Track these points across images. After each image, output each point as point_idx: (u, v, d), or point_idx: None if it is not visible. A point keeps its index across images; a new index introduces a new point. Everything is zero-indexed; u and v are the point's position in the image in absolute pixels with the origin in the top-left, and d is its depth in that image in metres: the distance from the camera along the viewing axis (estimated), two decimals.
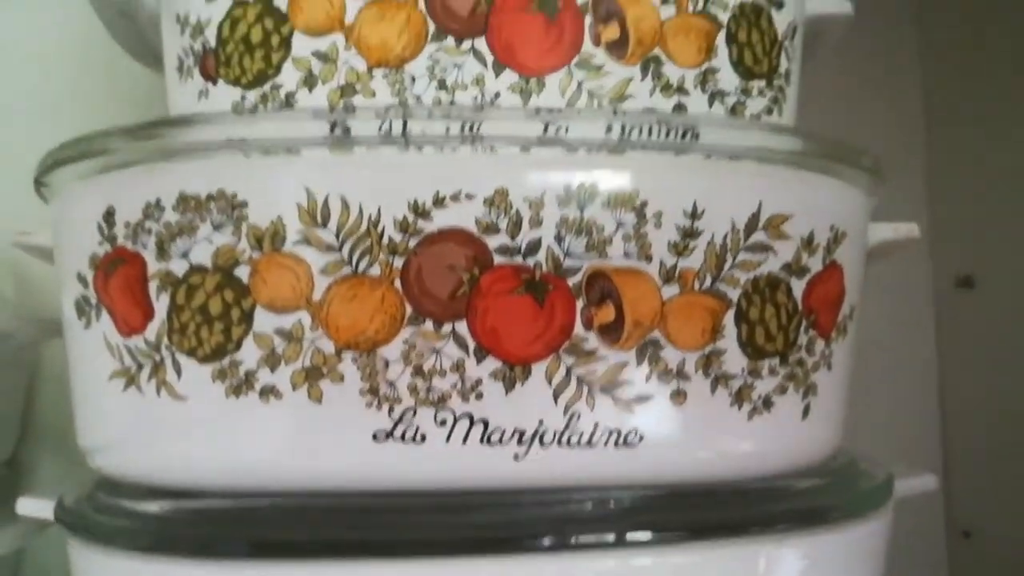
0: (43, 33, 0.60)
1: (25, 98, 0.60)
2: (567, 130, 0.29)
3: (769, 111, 0.34)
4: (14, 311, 0.58)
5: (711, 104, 0.33)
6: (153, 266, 0.29)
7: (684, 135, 0.28)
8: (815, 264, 0.31)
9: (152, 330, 0.29)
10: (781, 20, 0.34)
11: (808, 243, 0.31)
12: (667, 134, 0.28)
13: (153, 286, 0.29)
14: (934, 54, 0.68)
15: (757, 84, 0.34)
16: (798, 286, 0.31)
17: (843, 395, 0.34)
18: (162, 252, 0.29)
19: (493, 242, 0.28)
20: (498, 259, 0.28)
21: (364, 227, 0.28)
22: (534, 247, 0.28)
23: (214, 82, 0.32)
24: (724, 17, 0.33)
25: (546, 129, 0.29)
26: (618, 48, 0.31)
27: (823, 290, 0.32)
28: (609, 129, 0.29)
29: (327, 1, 0.31)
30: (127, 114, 0.33)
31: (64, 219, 0.33)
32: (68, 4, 0.58)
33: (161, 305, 0.29)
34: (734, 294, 0.30)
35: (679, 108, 0.32)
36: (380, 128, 0.28)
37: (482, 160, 0.28)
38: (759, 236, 0.30)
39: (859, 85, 0.69)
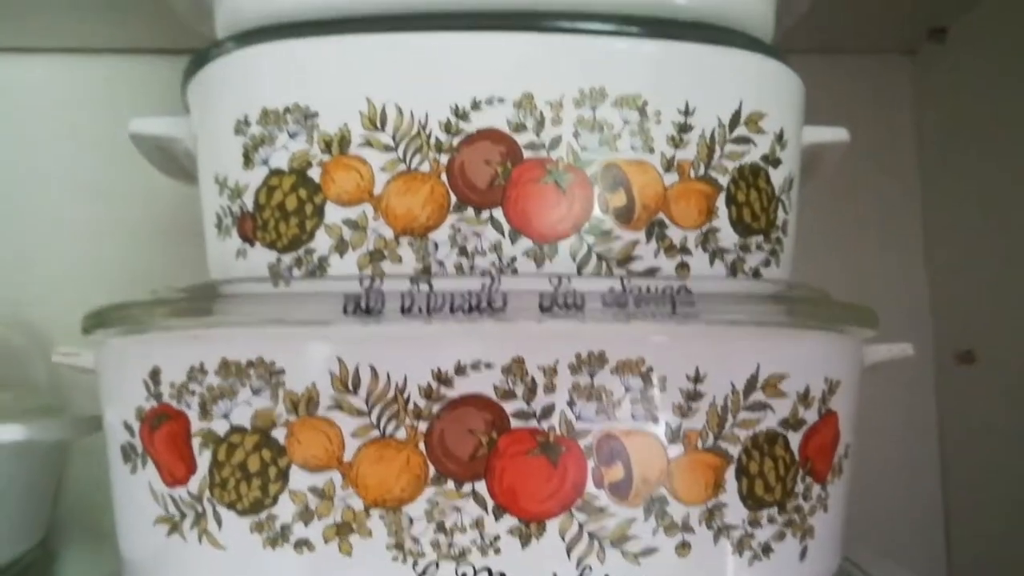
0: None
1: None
2: (581, 300, 0.32)
3: (767, 263, 0.36)
4: (48, 402, 0.61)
5: (712, 262, 0.35)
6: (196, 424, 0.32)
7: (686, 306, 0.31)
8: (811, 416, 0.34)
9: (195, 483, 0.32)
10: (778, 176, 0.37)
11: (804, 397, 0.33)
12: (672, 309, 0.30)
13: (196, 442, 0.32)
14: (930, 129, 0.70)
15: (756, 239, 0.36)
16: (795, 438, 0.33)
17: (839, 529, 0.36)
18: (205, 412, 0.32)
19: (510, 407, 0.30)
20: (515, 423, 0.30)
21: (391, 394, 0.30)
22: (548, 411, 0.30)
23: (251, 243, 0.35)
24: (724, 180, 0.35)
25: (556, 295, 0.31)
26: (625, 214, 0.34)
27: (819, 439, 0.34)
28: (617, 297, 0.31)
29: (357, 173, 0.33)
30: None
31: (110, 369, 0.35)
32: None
33: (203, 460, 0.32)
34: (735, 450, 0.32)
35: (682, 267, 0.34)
36: (404, 297, 0.31)
37: (499, 331, 0.31)
38: (757, 396, 0.32)
39: (856, 157, 0.72)
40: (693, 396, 0.31)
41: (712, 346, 0.32)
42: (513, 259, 0.34)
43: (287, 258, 0.34)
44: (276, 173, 0.34)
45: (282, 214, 0.34)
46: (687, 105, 0.34)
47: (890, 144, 0.72)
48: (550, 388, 0.30)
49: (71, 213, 0.68)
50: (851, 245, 0.69)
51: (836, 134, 0.43)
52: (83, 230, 0.68)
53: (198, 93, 0.38)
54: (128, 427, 0.34)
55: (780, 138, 0.37)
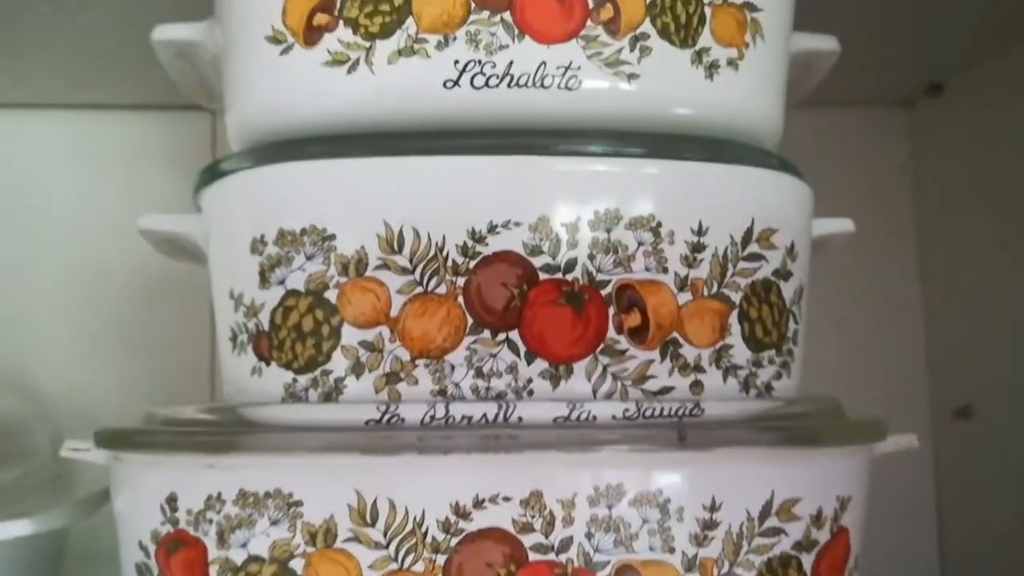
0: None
1: None
2: (594, 417, 0.32)
3: (779, 376, 0.37)
4: (53, 474, 0.60)
5: (725, 379, 0.35)
6: (213, 552, 0.32)
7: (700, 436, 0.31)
8: (823, 536, 0.34)
9: None
10: (789, 288, 0.37)
11: (817, 519, 0.33)
12: (682, 439, 0.31)
13: (213, 570, 0.32)
14: (927, 182, 0.71)
15: (768, 354, 0.36)
16: (808, 560, 0.33)
17: None
18: (222, 541, 0.32)
19: (528, 540, 0.31)
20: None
21: (409, 527, 0.30)
22: (566, 544, 0.31)
23: (267, 363, 0.35)
24: (736, 298, 0.35)
25: (571, 415, 0.32)
26: (639, 334, 0.34)
27: (831, 557, 0.34)
28: (632, 418, 0.32)
29: (374, 296, 0.34)
30: None
31: (125, 486, 0.35)
32: None
33: None
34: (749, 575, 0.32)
35: (696, 385, 0.35)
36: (423, 418, 0.32)
37: (517, 462, 0.31)
38: (772, 521, 0.32)
39: (853, 210, 0.72)
40: (709, 525, 0.31)
41: (727, 474, 0.32)
42: (529, 380, 0.34)
43: (303, 379, 0.34)
44: (293, 294, 0.34)
45: (298, 335, 0.34)
46: (700, 225, 0.35)
47: (886, 197, 0.73)
48: (568, 521, 0.31)
49: (71, 275, 0.68)
50: (847, 300, 0.69)
51: (841, 225, 0.44)
52: (83, 292, 0.68)
53: (212, 205, 0.38)
54: (143, 547, 0.34)
55: (791, 251, 0.37)
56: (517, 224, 0.34)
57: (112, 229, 0.67)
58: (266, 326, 0.35)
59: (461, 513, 0.30)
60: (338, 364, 0.34)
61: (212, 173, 0.38)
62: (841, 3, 0.53)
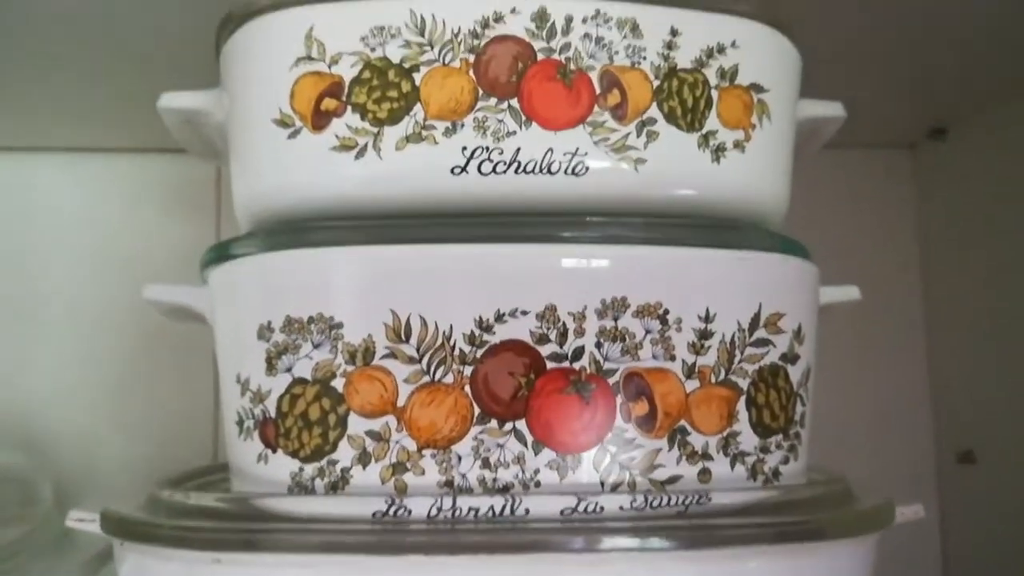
0: None
1: None
2: (601, 508, 0.32)
3: (786, 460, 0.37)
4: (57, 533, 0.60)
5: (733, 466, 0.35)
6: None
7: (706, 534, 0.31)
8: None
9: None
10: (796, 371, 0.37)
11: None
12: (689, 544, 0.31)
13: None
14: (933, 223, 0.72)
15: (775, 439, 0.36)
16: None
17: None
18: None
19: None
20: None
21: None
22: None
23: (273, 450, 0.35)
24: (744, 384, 0.35)
25: (578, 507, 0.32)
26: (647, 423, 0.34)
27: None
28: (639, 509, 0.32)
29: (381, 385, 0.34)
30: None
31: (130, 570, 0.35)
32: None
33: None
34: None
35: (704, 473, 0.35)
36: (430, 510, 0.32)
37: (525, 562, 0.31)
38: None
39: (859, 252, 0.72)
40: None
41: (736, 568, 0.32)
42: (536, 471, 0.34)
43: (309, 468, 0.34)
44: (300, 382, 0.34)
45: (305, 423, 0.34)
46: (707, 311, 0.35)
47: (891, 238, 0.73)
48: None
49: (73, 322, 0.68)
50: (852, 342, 0.69)
51: (847, 293, 0.44)
52: (85, 340, 0.68)
53: (219, 285, 0.38)
54: None
55: (798, 333, 0.37)
56: (524, 313, 0.34)
57: (116, 274, 0.68)
58: (273, 413, 0.35)
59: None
60: (344, 454, 0.34)
61: (221, 253, 0.38)
62: (846, 52, 0.54)
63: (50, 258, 0.68)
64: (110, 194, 0.69)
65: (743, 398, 0.36)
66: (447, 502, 0.32)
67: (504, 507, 0.32)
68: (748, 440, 0.36)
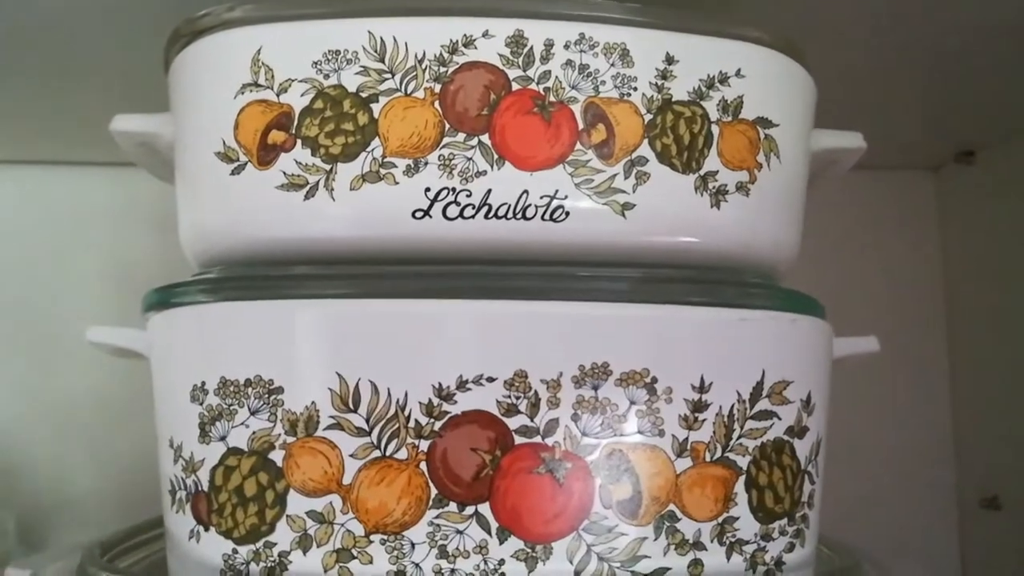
0: None
1: None
2: None
3: (791, 548, 0.32)
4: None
5: (729, 556, 0.31)
6: None
7: None
8: None
9: None
10: (804, 446, 0.33)
11: None
12: None
13: None
14: (955, 249, 0.69)
15: (779, 524, 0.32)
16: None
17: None
18: None
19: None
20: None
21: None
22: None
23: (206, 527, 0.31)
24: (743, 462, 0.31)
25: None
26: (631, 507, 0.30)
27: None
28: None
29: (325, 459, 0.29)
30: None
31: None
32: None
33: None
34: None
35: (695, 564, 0.30)
36: None
37: None
38: None
39: (882, 300, 0.69)
40: None
41: None
42: (501, 562, 0.29)
43: (244, 551, 0.30)
44: (235, 452, 0.30)
45: (240, 499, 0.30)
46: (702, 380, 0.30)
47: (913, 266, 0.70)
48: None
49: (36, 344, 0.65)
50: (872, 382, 0.65)
51: (866, 345, 0.39)
52: (49, 364, 0.65)
53: (155, 334, 0.34)
54: None
55: (807, 404, 0.33)
56: (491, 379, 0.29)
57: (81, 288, 0.64)
58: (205, 486, 0.31)
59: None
60: (283, 536, 0.30)
61: (160, 299, 0.34)
62: (873, 72, 0.50)
63: (13, 279, 0.65)
64: (89, 209, 0.66)
65: (742, 479, 0.31)
66: None
67: None
68: (747, 527, 0.31)
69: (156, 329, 0.34)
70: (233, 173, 0.32)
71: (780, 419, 0.32)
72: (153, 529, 0.40)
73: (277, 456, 0.30)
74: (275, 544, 0.30)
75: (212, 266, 0.34)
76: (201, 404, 0.31)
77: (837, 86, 0.38)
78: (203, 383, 0.31)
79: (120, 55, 0.47)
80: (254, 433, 0.30)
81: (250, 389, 0.30)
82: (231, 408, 0.30)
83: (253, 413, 0.30)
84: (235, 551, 0.30)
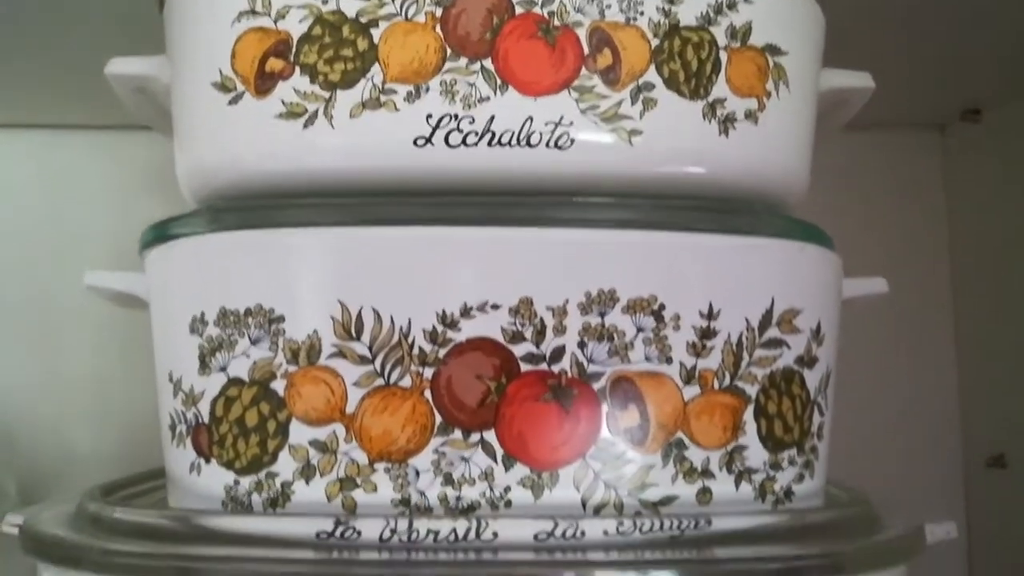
0: None
1: None
2: (582, 533, 0.28)
3: (800, 478, 0.32)
4: None
5: (738, 485, 0.30)
6: None
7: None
8: None
9: None
10: (814, 376, 0.32)
11: None
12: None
13: None
14: (961, 211, 0.68)
15: (788, 454, 0.31)
16: None
17: None
18: None
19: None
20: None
21: None
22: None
23: (207, 460, 0.30)
24: (752, 391, 0.30)
25: (555, 531, 0.27)
26: (638, 435, 0.29)
27: None
28: (626, 534, 0.27)
29: (327, 388, 0.29)
30: None
31: None
32: None
33: None
34: None
35: (703, 492, 0.30)
36: (383, 533, 0.27)
37: None
38: None
39: (887, 259, 0.68)
40: None
41: None
42: (507, 489, 0.29)
43: (246, 481, 0.29)
44: (235, 383, 0.30)
45: (241, 430, 0.30)
46: (711, 307, 0.30)
47: (920, 225, 0.69)
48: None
49: (36, 306, 0.64)
50: (877, 337, 0.65)
51: (874, 285, 0.39)
52: (53, 329, 0.64)
53: (154, 270, 0.33)
54: None
55: (817, 333, 0.32)
56: (495, 307, 0.29)
57: (84, 252, 0.64)
58: (206, 418, 0.30)
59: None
60: (285, 466, 0.29)
61: (158, 234, 0.33)
62: (878, 31, 0.49)
63: (14, 245, 0.64)
64: (80, 174, 0.65)
65: (751, 407, 0.31)
66: (402, 524, 0.28)
67: (468, 531, 0.28)
68: (756, 455, 0.31)
69: (154, 265, 0.33)
70: (231, 103, 0.31)
71: (789, 348, 0.31)
72: (156, 479, 0.40)
73: (279, 386, 0.29)
74: (277, 474, 0.29)
75: (210, 202, 0.33)
76: (201, 335, 0.30)
77: (848, 32, 0.37)
78: (202, 314, 0.30)
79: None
80: (255, 363, 0.30)
81: (250, 319, 0.30)
82: (231, 338, 0.30)
83: (254, 343, 0.30)
84: (237, 482, 0.30)
